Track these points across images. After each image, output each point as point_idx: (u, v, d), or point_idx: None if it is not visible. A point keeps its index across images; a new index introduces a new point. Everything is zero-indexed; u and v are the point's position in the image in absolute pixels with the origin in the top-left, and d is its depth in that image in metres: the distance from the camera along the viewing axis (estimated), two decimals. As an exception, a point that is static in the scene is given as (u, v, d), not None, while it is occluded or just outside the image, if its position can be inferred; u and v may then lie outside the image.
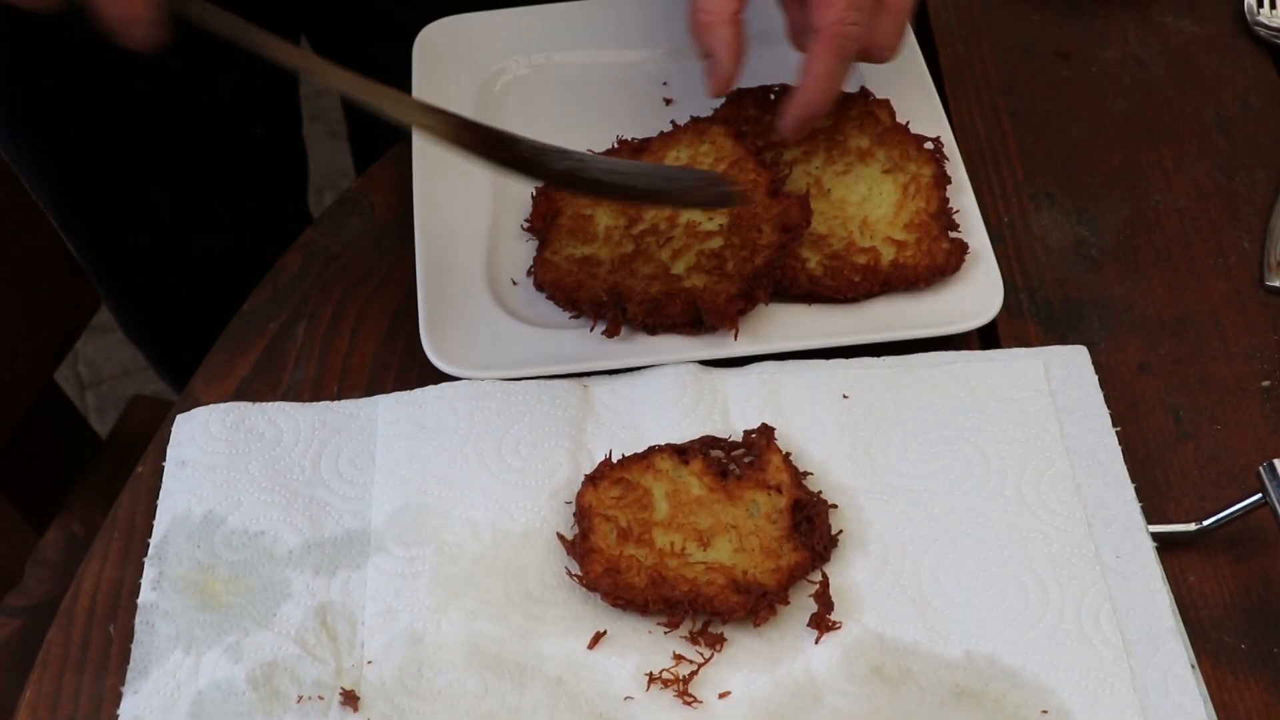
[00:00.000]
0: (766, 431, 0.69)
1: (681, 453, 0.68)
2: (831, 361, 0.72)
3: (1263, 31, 0.91)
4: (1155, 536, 0.66)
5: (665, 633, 0.63)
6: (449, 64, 0.88)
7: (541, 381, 0.72)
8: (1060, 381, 0.71)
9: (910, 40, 0.87)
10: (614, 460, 0.68)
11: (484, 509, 0.67)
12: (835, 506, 0.67)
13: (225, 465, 0.69)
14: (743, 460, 0.68)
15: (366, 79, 0.68)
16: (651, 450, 0.68)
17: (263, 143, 1.11)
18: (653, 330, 0.74)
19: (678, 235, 0.76)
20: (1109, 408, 0.70)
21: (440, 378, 0.72)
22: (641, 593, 0.63)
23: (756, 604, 0.63)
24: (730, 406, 0.71)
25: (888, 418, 0.70)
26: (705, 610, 0.63)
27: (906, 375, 0.72)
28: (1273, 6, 0.91)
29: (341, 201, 0.85)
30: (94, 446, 1.11)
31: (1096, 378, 0.71)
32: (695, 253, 0.75)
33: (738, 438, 0.70)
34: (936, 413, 0.70)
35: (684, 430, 0.70)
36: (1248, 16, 0.92)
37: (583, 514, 0.66)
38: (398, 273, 0.80)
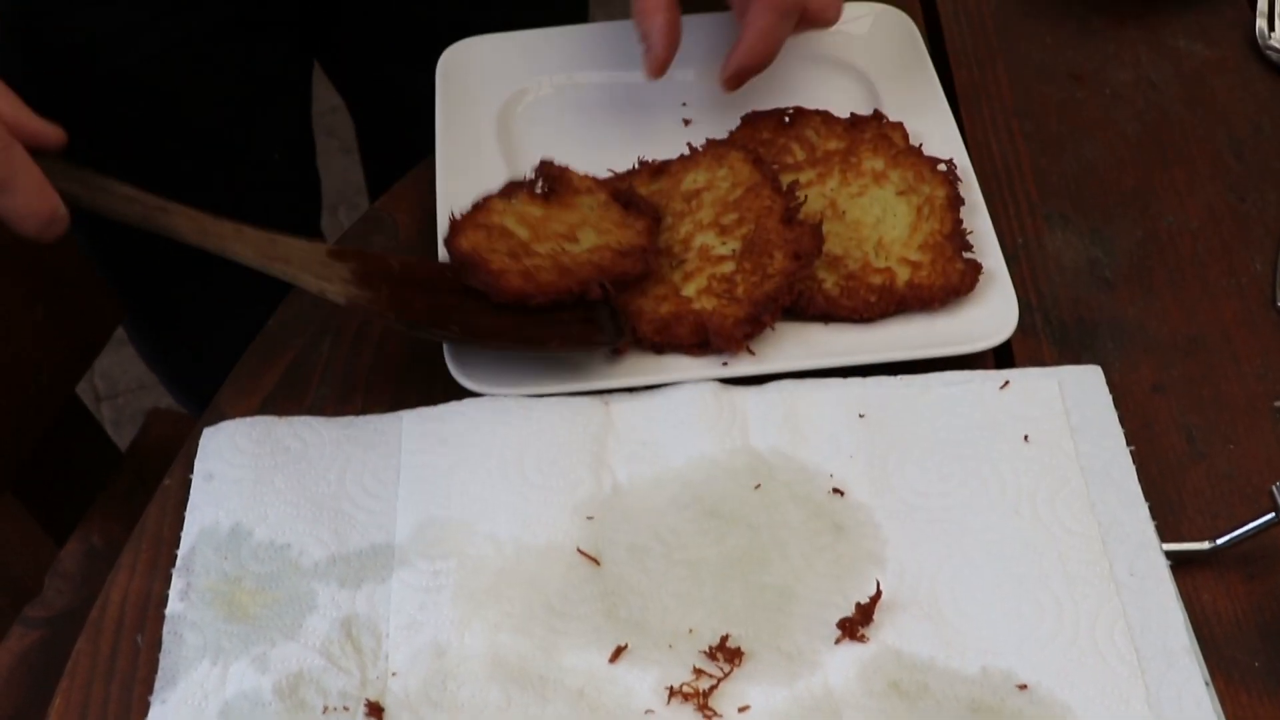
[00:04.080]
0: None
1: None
2: (848, 380, 0.73)
3: (1273, 55, 0.92)
4: (1169, 554, 0.66)
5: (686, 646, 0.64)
6: (471, 85, 0.89)
7: (563, 398, 0.73)
8: (1075, 401, 0.72)
9: (926, 62, 0.88)
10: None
11: (506, 523, 0.68)
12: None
13: (252, 479, 0.70)
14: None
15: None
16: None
17: (279, 168, 1.13)
18: (660, 350, 0.75)
19: (691, 258, 0.77)
20: (1123, 427, 0.71)
21: (463, 394, 0.73)
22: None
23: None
24: (750, 423, 0.72)
25: (904, 436, 0.71)
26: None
27: (922, 394, 0.73)
28: (1284, 31, 0.92)
29: (366, 219, 0.86)
30: (113, 459, 1.12)
31: (1110, 397, 0.72)
32: (707, 276, 0.76)
33: (758, 454, 0.70)
34: (952, 431, 0.71)
35: (704, 447, 0.71)
36: (1259, 40, 0.93)
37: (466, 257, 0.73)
38: (420, 290, 0.81)
